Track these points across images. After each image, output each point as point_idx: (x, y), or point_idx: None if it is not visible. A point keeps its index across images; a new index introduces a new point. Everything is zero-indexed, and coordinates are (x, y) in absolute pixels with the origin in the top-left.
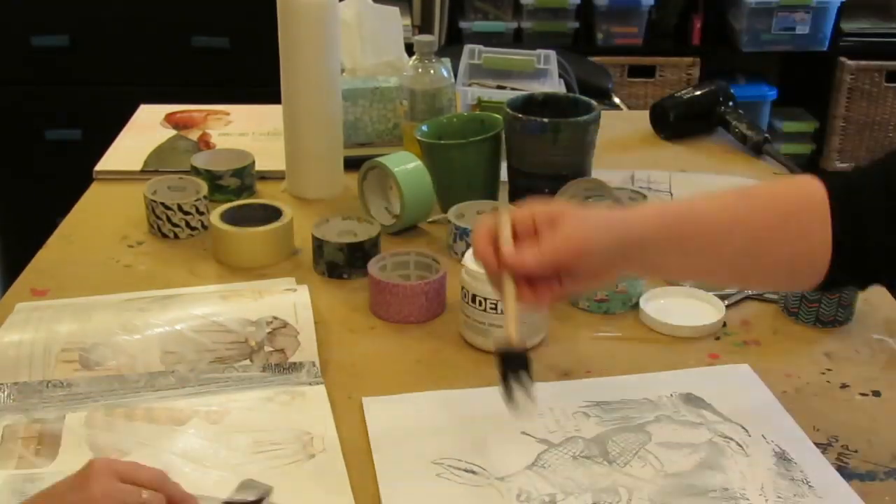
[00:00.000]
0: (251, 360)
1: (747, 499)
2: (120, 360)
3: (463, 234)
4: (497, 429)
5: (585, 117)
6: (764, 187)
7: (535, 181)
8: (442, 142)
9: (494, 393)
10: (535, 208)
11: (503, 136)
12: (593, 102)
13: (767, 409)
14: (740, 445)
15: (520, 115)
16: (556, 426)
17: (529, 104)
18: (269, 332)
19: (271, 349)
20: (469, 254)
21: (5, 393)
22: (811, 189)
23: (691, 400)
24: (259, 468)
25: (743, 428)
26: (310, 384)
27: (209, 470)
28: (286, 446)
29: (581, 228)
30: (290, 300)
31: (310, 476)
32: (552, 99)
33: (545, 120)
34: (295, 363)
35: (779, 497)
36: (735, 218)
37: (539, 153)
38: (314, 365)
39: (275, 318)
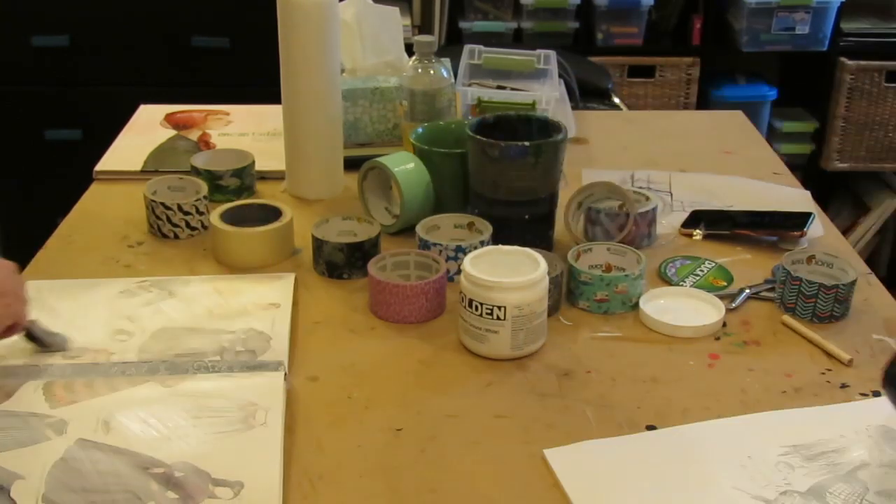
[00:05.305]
0: (221, 357)
1: None
2: (97, 357)
3: (426, 247)
4: (702, 483)
5: (561, 136)
6: None
7: (514, 209)
8: (433, 148)
9: (687, 433)
10: None
11: (470, 170)
12: (550, 118)
13: None
14: None
15: (500, 143)
16: (764, 479)
17: (483, 128)
18: (242, 338)
19: (242, 349)
20: (468, 259)
21: None
22: None
23: (890, 434)
24: (196, 432)
25: None
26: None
27: (149, 425)
28: (228, 415)
29: None
30: (269, 316)
31: (243, 446)
32: (502, 120)
33: (526, 144)
34: (263, 362)
35: None
36: None
37: (519, 179)
38: (281, 364)
39: (251, 328)
